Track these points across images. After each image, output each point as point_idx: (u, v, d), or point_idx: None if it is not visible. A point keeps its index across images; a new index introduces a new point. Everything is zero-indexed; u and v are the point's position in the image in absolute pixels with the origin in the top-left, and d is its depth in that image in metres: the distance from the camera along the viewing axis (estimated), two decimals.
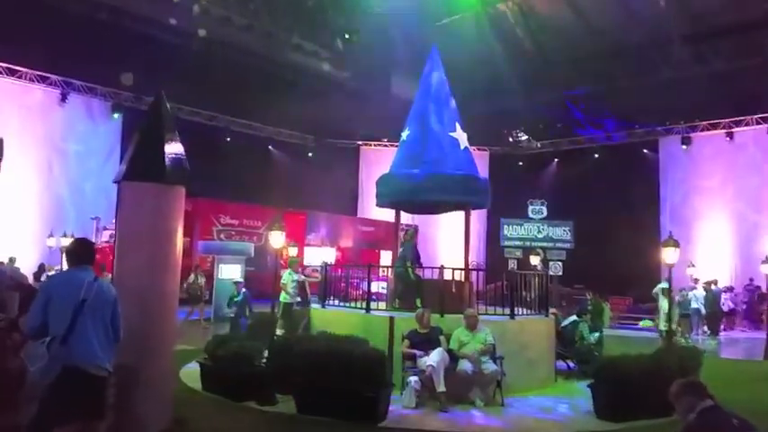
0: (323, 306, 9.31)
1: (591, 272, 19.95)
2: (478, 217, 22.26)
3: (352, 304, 9.10)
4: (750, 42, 19.27)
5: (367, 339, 7.13)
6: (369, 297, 8.66)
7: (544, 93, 23.70)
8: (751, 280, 18.75)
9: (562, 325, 10.09)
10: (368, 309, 8.54)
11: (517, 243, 24.13)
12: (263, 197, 21.97)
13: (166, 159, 5.76)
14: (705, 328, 16.47)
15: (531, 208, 24.76)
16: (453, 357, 7.46)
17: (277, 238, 7.25)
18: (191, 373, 8.23)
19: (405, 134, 10.15)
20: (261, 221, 21.37)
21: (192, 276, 14.84)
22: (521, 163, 26.57)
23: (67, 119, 19.56)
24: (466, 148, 9.98)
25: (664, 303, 11.20)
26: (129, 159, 5.88)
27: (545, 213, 24.89)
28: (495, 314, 8.64)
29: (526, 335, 8.55)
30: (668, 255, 7.80)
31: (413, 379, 7.18)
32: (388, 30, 21.87)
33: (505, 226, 24.52)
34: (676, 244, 7.87)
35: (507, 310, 8.66)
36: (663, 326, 14.15)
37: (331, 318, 8.82)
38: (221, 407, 6.82)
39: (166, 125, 5.99)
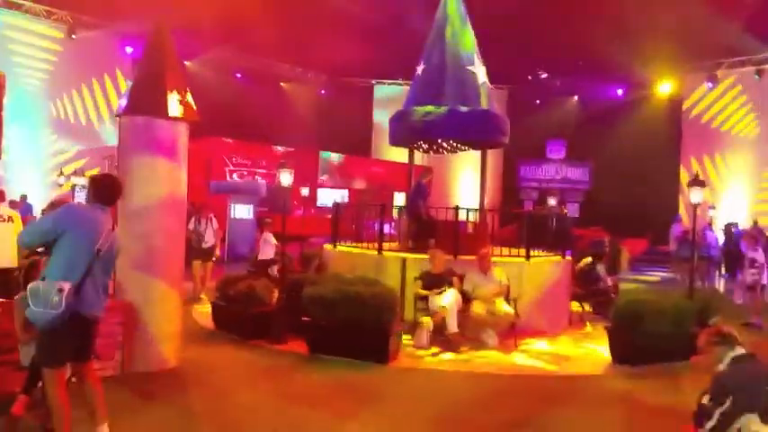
0: (334, 246, 9.18)
1: (608, 214, 19.62)
2: (494, 158, 21.81)
3: (364, 245, 8.94)
4: None
5: (378, 280, 7.00)
6: (381, 238, 8.48)
7: (565, 29, 22.62)
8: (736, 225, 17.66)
9: (578, 267, 9.90)
10: (380, 250, 8.38)
11: (534, 184, 23.79)
12: (275, 137, 21.63)
13: (168, 93, 5.49)
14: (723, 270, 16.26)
15: (549, 147, 24.25)
16: (467, 299, 7.35)
17: (286, 177, 7.02)
18: (204, 313, 8.24)
19: (420, 68, 9.69)
20: (273, 161, 21.12)
21: (193, 223, 9.67)
22: (538, 101, 25.73)
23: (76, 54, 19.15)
24: (484, 82, 9.53)
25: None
26: (128, 94, 5.63)
27: (563, 154, 24.40)
28: (510, 255, 8.45)
29: (542, 277, 8.38)
30: (694, 195, 7.45)
31: (425, 319, 7.09)
32: None
33: (522, 167, 24.12)
34: (702, 183, 7.52)
35: (523, 252, 8.46)
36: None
37: (343, 258, 8.70)
38: (232, 344, 6.81)
39: (168, 58, 5.69)
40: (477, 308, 7.18)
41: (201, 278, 9.64)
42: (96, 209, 3.82)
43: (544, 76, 25.47)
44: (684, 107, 22.34)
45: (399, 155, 17.02)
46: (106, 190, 3.88)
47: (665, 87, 22.72)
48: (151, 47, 5.71)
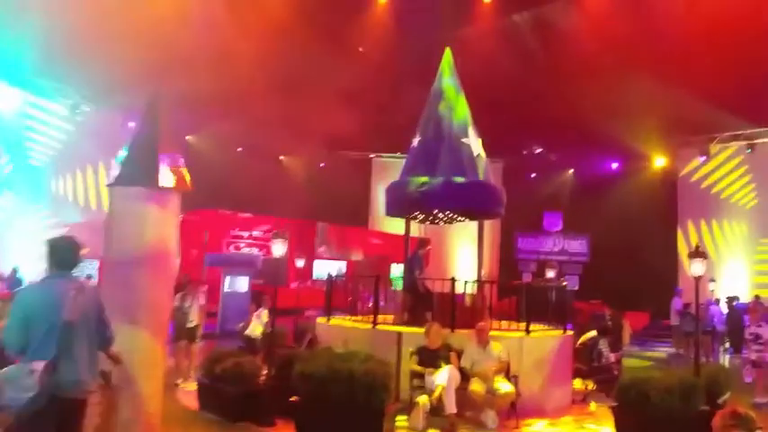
0: (327, 320, 8.91)
1: (607, 286, 19.35)
2: (491, 229, 21.79)
3: (359, 318, 8.68)
4: None
5: (372, 355, 6.71)
6: (376, 311, 8.24)
7: (558, 105, 23.20)
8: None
9: (579, 342, 9.60)
10: (375, 323, 8.12)
11: (532, 257, 23.65)
12: (274, 209, 21.70)
13: (159, 163, 5.46)
14: (727, 345, 15.84)
15: (546, 220, 24.29)
16: (465, 376, 7.02)
17: (279, 248, 6.88)
18: (190, 393, 7.86)
19: (415, 140, 9.77)
20: (270, 232, 21.08)
21: (179, 300, 8.81)
22: (534, 174, 26.00)
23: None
24: (479, 154, 9.57)
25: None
26: (121, 164, 5.61)
27: (560, 226, 24.42)
28: (509, 329, 8.18)
29: (543, 352, 8.07)
30: (695, 267, 7.28)
31: (421, 398, 6.74)
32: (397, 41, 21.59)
33: (519, 238, 24.06)
34: (703, 255, 7.37)
35: (522, 325, 8.20)
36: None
37: (336, 333, 8.41)
38: (216, 429, 6.42)
39: (162, 128, 5.70)
40: (476, 386, 6.84)
41: (187, 355, 8.98)
42: (54, 278, 3.64)
43: (539, 151, 25.86)
44: (679, 179, 22.59)
45: (397, 227, 17.08)
46: (64, 254, 3.72)
47: (659, 161, 23.06)
48: (145, 118, 5.73)
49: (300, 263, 14.55)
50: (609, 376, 8.83)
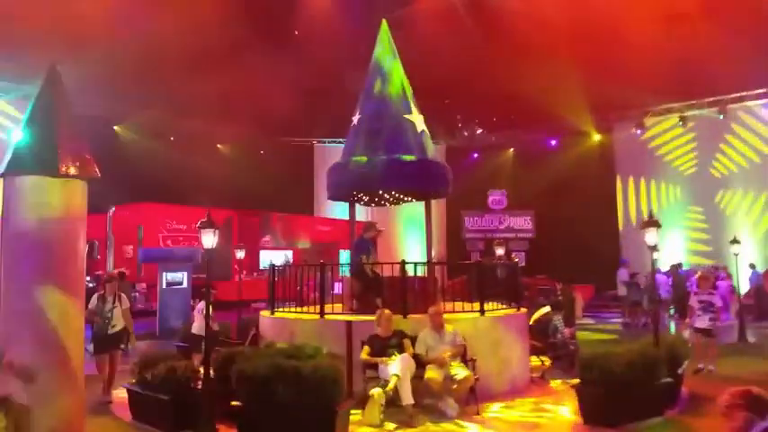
0: (272, 313, 8.32)
1: (553, 261, 19.51)
2: (438, 210, 21.57)
3: (305, 309, 8.14)
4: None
5: (320, 349, 6.21)
6: (323, 301, 7.71)
7: (496, 85, 23.07)
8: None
9: (533, 319, 9.39)
10: (322, 313, 7.60)
11: (479, 235, 23.62)
12: (214, 200, 20.65)
13: (60, 148, 4.72)
14: (672, 312, 16.19)
15: (491, 199, 24.27)
16: (420, 363, 6.63)
17: (208, 239, 6.23)
18: (121, 402, 7.12)
19: (355, 118, 9.21)
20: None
21: (96, 302, 7.68)
22: (476, 155, 25.96)
23: None
24: (423, 131, 9.11)
25: None
26: (14, 148, 4.82)
27: (505, 204, 24.48)
28: (463, 310, 7.83)
29: (498, 332, 7.78)
30: (650, 236, 7.13)
31: (375, 391, 6.30)
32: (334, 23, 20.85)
33: (466, 218, 23.97)
34: (657, 224, 7.23)
35: (476, 306, 7.86)
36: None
37: (281, 326, 7.85)
38: None
39: (61, 107, 4.95)
40: (433, 373, 6.46)
41: (113, 362, 7.65)
42: None
43: (479, 131, 25.78)
44: (617, 153, 22.98)
45: (345, 213, 16.55)
46: None
47: (596, 135, 23.40)
48: (41, 95, 4.95)
49: (242, 254, 13.77)
50: (566, 351, 8.69)
